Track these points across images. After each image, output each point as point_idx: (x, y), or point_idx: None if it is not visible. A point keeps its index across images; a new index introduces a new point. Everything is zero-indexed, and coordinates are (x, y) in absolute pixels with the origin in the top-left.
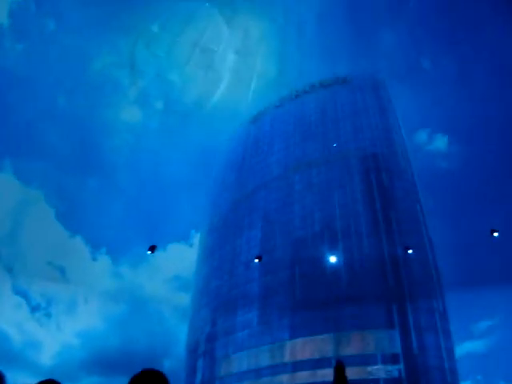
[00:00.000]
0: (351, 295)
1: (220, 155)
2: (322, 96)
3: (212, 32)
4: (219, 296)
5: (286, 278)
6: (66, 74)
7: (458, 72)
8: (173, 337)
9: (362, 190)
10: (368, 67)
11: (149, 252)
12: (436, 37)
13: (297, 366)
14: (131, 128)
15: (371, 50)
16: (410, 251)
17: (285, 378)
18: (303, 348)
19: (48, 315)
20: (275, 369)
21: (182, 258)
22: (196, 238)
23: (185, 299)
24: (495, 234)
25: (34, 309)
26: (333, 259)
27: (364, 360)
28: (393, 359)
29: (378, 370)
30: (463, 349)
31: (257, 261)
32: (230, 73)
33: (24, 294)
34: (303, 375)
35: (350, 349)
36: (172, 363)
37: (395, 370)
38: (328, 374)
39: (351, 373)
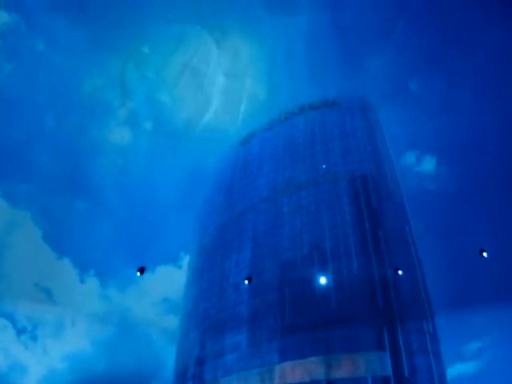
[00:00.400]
0: (341, 317)
1: (209, 177)
2: (311, 118)
3: (202, 54)
4: (208, 318)
5: (275, 300)
6: (55, 95)
7: (445, 94)
8: (161, 360)
9: (351, 212)
10: (356, 89)
11: (138, 273)
12: (423, 59)
13: None
14: (120, 149)
15: (359, 73)
16: (400, 272)
17: None
18: (293, 371)
19: (34, 338)
20: None
21: (171, 280)
22: (185, 260)
23: (173, 322)
24: (484, 254)
25: (19, 331)
26: (323, 280)
27: (355, 383)
28: (384, 382)
29: None
30: (454, 370)
31: (246, 282)
32: (219, 94)
33: (9, 317)
34: None
35: (341, 372)
36: None
37: None
38: None
39: None
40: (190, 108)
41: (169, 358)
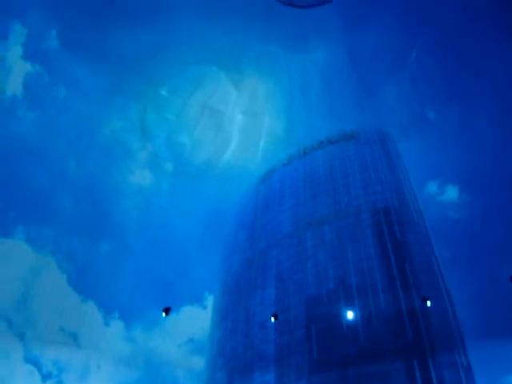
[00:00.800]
0: (370, 352)
1: (231, 215)
2: (330, 152)
3: (220, 94)
4: (235, 358)
5: (302, 337)
6: (76, 140)
7: (462, 122)
8: None
9: (375, 245)
10: (374, 121)
11: (163, 314)
12: (438, 88)
13: None
14: (142, 190)
15: (376, 105)
16: (429, 303)
17: None
18: None
19: (60, 383)
20: None
21: (196, 320)
22: (209, 300)
23: (199, 362)
24: None
25: (45, 377)
26: (350, 315)
27: None
28: None
29: None
30: None
31: (273, 319)
32: (238, 133)
33: (35, 362)
34: None
35: None
36: None
37: None
38: None
39: None
40: (209, 148)
41: None
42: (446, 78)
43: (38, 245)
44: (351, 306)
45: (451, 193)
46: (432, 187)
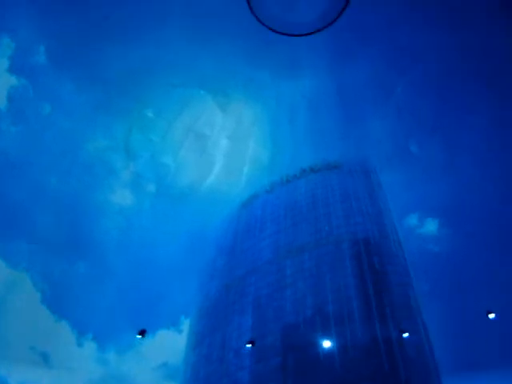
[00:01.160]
0: (346, 381)
1: (211, 239)
2: (312, 181)
3: (206, 117)
4: None
5: (278, 365)
6: (59, 156)
7: (444, 157)
8: None
9: (354, 274)
10: (358, 152)
11: (139, 336)
12: (422, 122)
13: None
14: (123, 210)
15: (361, 135)
16: (406, 335)
17: None
18: None
19: None
20: None
21: (171, 344)
22: (185, 324)
23: None
24: (491, 316)
25: None
26: (327, 344)
27: None
28: None
29: None
30: None
31: (249, 346)
32: (222, 157)
33: (3, 382)
34: None
35: None
36: None
37: None
38: None
39: None
40: (193, 171)
41: None
42: (431, 113)
43: (13, 261)
44: (328, 335)
45: (431, 226)
46: (412, 220)
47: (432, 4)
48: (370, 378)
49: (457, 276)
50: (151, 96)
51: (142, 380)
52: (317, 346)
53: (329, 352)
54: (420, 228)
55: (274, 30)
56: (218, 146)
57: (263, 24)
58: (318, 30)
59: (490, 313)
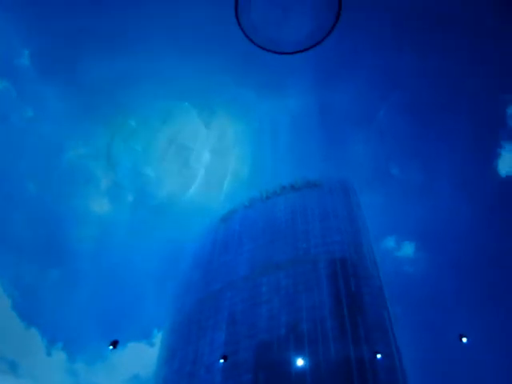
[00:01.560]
0: None
1: (188, 252)
2: (292, 198)
3: (189, 130)
4: None
5: (249, 382)
6: (39, 161)
7: (423, 180)
8: None
9: (329, 294)
10: (338, 172)
11: (111, 347)
12: (403, 145)
13: None
14: (100, 219)
15: (342, 156)
16: (379, 356)
17: None
18: None
19: None
20: None
21: (142, 357)
22: (158, 337)
23: None
24: (464, 340)
25: None
26: (300, 362)
27: None
28: None
29: None
30: None
31: (222, 361)
32: (204, 171)
33: None
34: None
35: None
36: None
37: None
38: None
39: None
40: (173, 182)
41: None
42: (412, 138)
43: None
44: (301, 353)
45: (407, 249)
46: (390, 242)
47: (415, 30)
48: None
49: (431, 298)
50: (135, 105)
51: None
52: (289, 363)
53: (301, 370)
54: (397, 251)
55: (262, 47)
56: (200, 160)
57: (252, 41)
58: (306, 49)
59: (464, 336)
